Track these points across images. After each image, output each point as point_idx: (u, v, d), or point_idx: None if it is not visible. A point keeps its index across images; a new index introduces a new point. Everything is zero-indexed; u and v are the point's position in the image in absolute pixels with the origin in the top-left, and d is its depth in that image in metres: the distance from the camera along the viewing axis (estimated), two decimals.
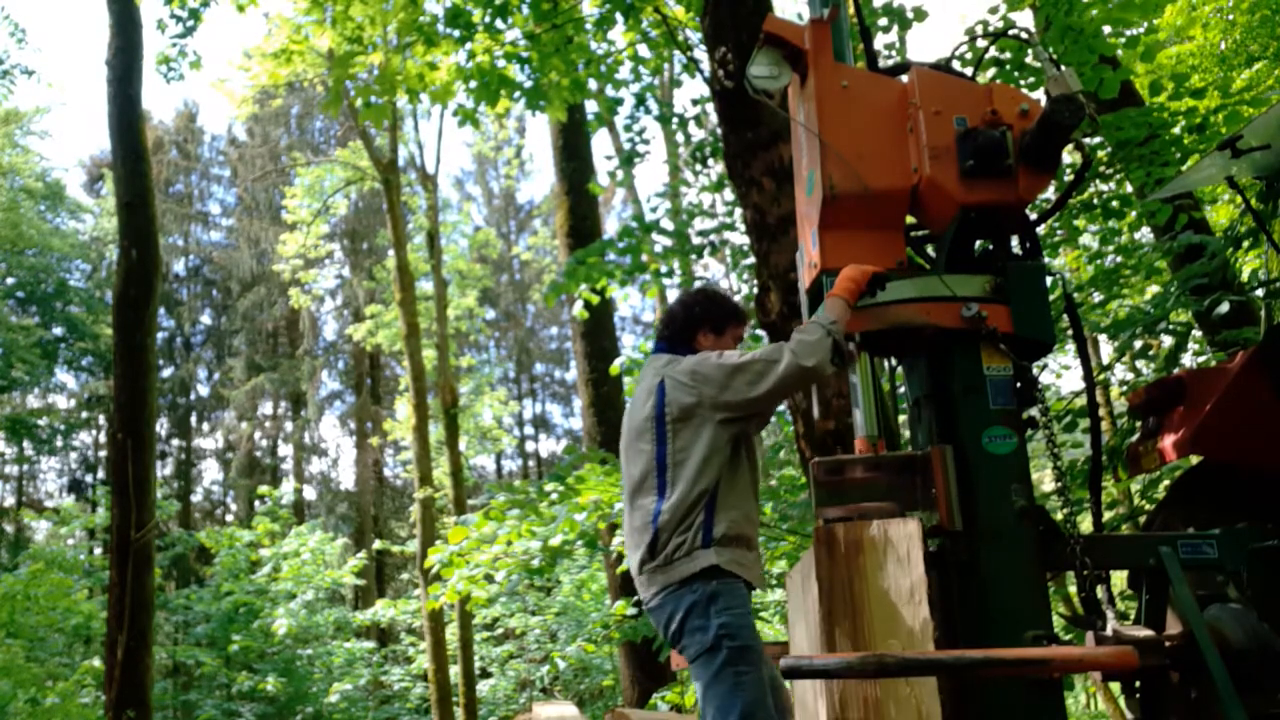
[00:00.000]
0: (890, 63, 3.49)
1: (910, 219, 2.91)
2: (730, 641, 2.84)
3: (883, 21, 6.92)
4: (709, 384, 2.96)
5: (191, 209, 30.00)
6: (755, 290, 5.06)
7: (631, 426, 3.15)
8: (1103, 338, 7.39)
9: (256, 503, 20.77)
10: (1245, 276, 6.70)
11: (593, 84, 7.98)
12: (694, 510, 2.92)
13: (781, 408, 7.52)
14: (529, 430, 32.21)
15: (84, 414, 27.30)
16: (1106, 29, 6.22)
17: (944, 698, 2.63)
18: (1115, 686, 6.85)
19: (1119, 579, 5.16)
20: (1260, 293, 4.76)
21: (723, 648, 2.83)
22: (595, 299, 8.19)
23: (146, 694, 10.15)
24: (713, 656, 2.84)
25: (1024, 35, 3.72)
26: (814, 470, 2.58)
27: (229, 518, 27.67)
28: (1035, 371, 2.76)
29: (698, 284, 11.57)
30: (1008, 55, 6.33)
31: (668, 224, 8.36)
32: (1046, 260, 2.94)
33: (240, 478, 27.44)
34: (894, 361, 3.06)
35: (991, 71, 6.33)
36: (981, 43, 5.41)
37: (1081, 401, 5.81)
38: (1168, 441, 3.23)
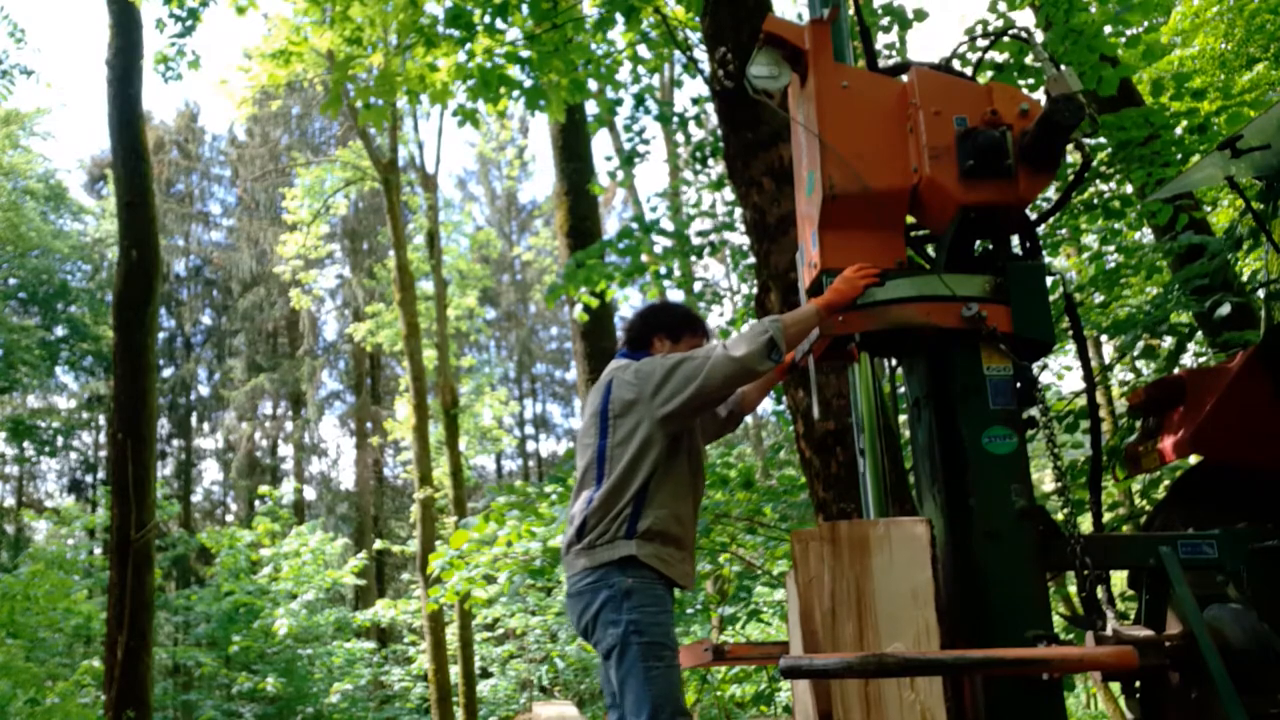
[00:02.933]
0: (890, 63, 3.49)
1: (910, 219, 2.91)
2: (639, 638, 2.89)
3: (883, 21, 6.92)
4: (648, 381, 3.03)
5: (192, 209, 30.01)
6: (755, 290, 5.06)
7: (582, 424, 3.26)
8: (1103, 337, 7.39)
9: (257, 503, 20.77)
10: (1246, 277, 6.70)
11: (593, 84, 7.97)
12: (623, 500, 2.99)
13: (781, 407, 7.53)
14: (529, 430, 32.26)
15: (84, 414, 27.31)
16: (1107, 29, 6.22)
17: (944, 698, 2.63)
18: (1115, 686, 6.84)
19: (1119, 579, 5.17)
20: (1260, 293, 4.76)
21: (631, 643, 2.89)
22: (595, 303, 8.19)
23: (146, 694, 10.16)
24: (623, 652, 2.90)
25: (1024, 35, 3.72)
26: None
27: (229, 518, 27.68)
28: (1035, 371, 2.75)
29: (697, 285, 11.57)
30: (1008, 57, 6.33)
31: (668, 224, 8.36)
32: (1047, 260, 2.94)
33: (240, 478, 27.45)
34: (894, 362, 3.06)
35: (992, 71, 6.33)
36: (982, 42, 5.41)
37: (1081, 401, 5.81)
38: (1168, 441, 3.23)
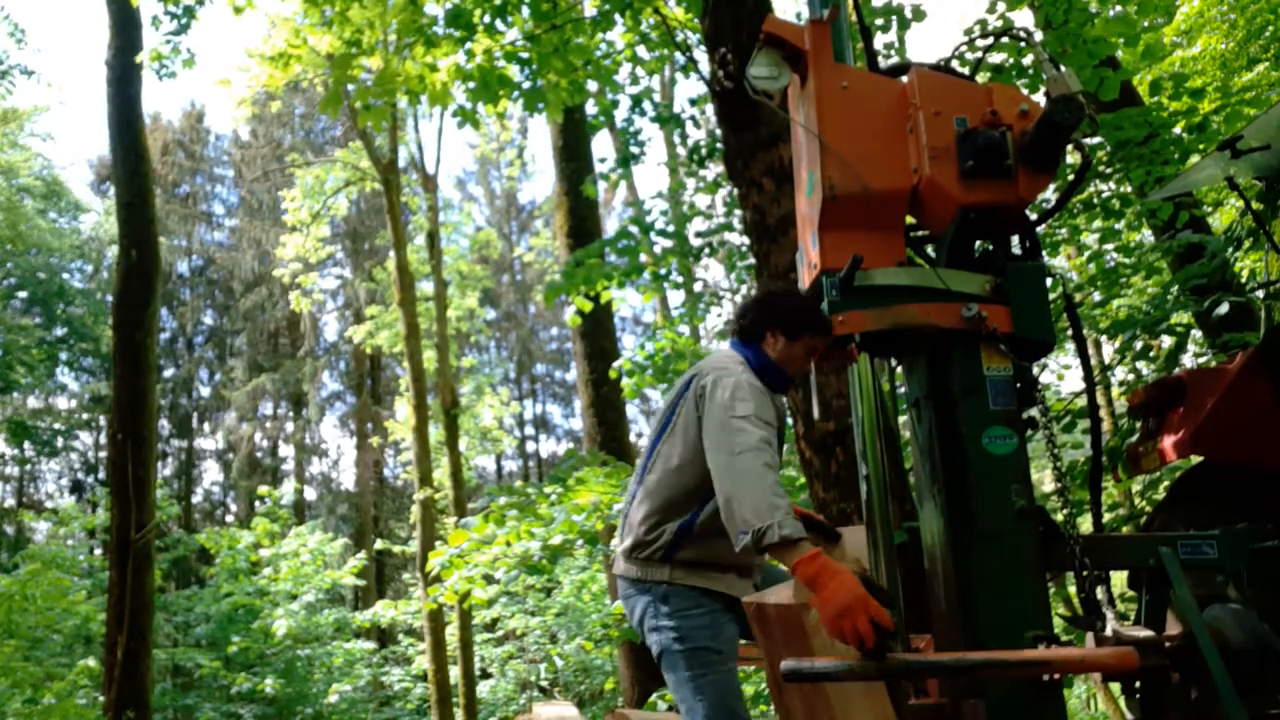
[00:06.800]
0: (890, 63, 3.50)
1: (910, 219, 2.91)
2: (681, 645, 2.78)
3: (881, 21, 6.91)
4: (706, 415, 2.79)
5: (195, 209, 30.01)
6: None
7: (661, 405, 3.10)
8: (1103, 338, 7.40)
9: (257, 503, 20.76)
10: (1246, 277, 6.70)
11: (592, 85, 7.97)
12: (661, 516, 2.85)
13: None
14: (529, 431, 32.26)
15: (84, 414, 27.31)
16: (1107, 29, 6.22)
17: (943, 698, 2.63)
18: (1115, 687, 6.84)
19: (1119, 579, 5.17)
20: (1260, 294, 4.76)
21: (675, 651, 2.79)
22: (589, 305, 8.19)
23: (146, 695, 10.16)
24: (671, 660, 2.81)
25: (1023, 35, 3.72)
26: None
27: (229, 518, 27.67)
28: (1035, 371, 2.75)
29: (697, 286, 11.55)
30: (1007, 58, 6.33)
31: (666, 225, 8.37)
32: (1047, 260, 2.94)
33: (241, 478, 27.44)
34: (894, 362, 3.05)
35: (990, 70, 6.33)
36: (981, 43, 5.41)
37: (1081, 401, 5.81)
38: (1168, 442, 3.24)
